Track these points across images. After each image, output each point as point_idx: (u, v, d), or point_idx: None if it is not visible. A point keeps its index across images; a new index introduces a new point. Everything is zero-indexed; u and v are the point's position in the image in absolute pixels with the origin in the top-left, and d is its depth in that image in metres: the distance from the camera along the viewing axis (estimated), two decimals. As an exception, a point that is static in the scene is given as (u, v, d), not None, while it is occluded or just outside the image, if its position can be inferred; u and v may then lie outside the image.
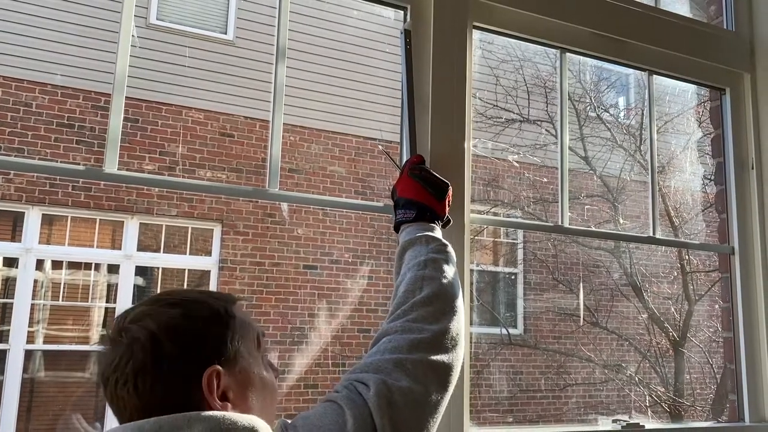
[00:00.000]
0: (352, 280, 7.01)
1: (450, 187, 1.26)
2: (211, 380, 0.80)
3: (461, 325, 0.98)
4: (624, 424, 1.65)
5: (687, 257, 6.72)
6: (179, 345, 0.81)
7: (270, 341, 6.55)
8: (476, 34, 1.64)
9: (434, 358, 0.90)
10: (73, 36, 6.17)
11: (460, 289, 1.06)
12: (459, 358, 0.94)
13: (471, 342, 1.55)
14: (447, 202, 1.24)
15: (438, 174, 1.28)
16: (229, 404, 0.81)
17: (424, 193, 1.20)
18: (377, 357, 0.89)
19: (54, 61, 6.14)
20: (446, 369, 0.91)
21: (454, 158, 1.50)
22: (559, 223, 1.72)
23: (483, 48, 7.15)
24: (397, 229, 1.21)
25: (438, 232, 1.17)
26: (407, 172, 1.26)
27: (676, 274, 7.05)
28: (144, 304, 0.85)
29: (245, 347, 0.86)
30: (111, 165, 1.28)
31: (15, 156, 5.91)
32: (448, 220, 1.25)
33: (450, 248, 1.12)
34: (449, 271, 1.06)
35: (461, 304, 1.01)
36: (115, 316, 0.86)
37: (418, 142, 1.43)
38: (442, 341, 0.92)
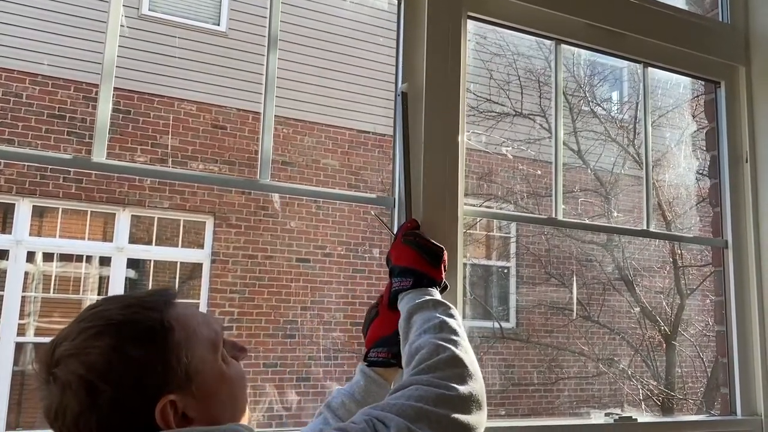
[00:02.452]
0: (345, 273, 7.00)
1: (445, 251, 1.23)
2: (165, 413, 0.75)
3: (483, 387, 0.97)
4: (616, 417, 1.64)
5: (679, 251, 6.74)
6: (115, 386, 0.73)
7: (262, 334, 6.54)
8: (470, 26, 1.63)
9: (458, 417, 0.88)
10: (65, 26, 6.11)
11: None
12: (482, 423, 0.92)
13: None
14: (443, 267, 1.22)
15: (431, 234, 1.27)
16: (193, 424, 0.77)
17: (419, 260, 1.19)
18: (401, 401, 0.86)
19: (44, 51, 6.08)
20: (468, 430, 0.89)
21: (448, 151, 1.49)
22: (553, 216, 1.71)
23: (476, 41, 7.13)
24: (394, 296, 1.19)
25: (438, 297, 1.16)
26: (401, 239, 1.24)
27: (668, 268, 7.08)
28: (69, 336, 0.76)
29: (197, 358, 0.80)
30: (99, 154, 1.26)
31: (5, 147, 5.85)
32: (446, 286, 1.22)
33: (456, 311, 1.11)
34: (463, 334, 1.05)
35: (478, 368, 1.00)
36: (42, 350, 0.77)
37: (412, 207, 1.39)
38: (469, 403, 0.91)
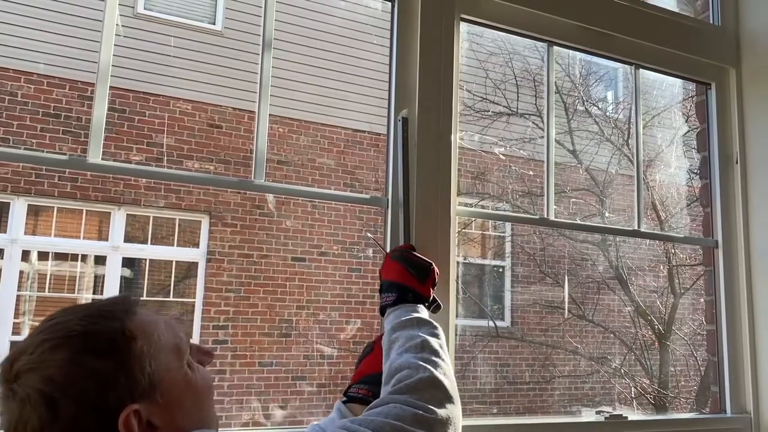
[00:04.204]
0: (341, 272, 7.01)
1: (434, 267, 1.22)
2: (128, 423, 0.73)
3: (460, 411, 0.96)
4: (607, 415, 1.66)
5: (673, 251, 6.78)
6: (76, 399, 0.72)
7: (258, 333, 6.55)
8: (465, 27, 1.64)
9: None
10: (60, 25, 6.10)
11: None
12: None
13: (456, 334, 1.56)
14: (431, 284, 1.20)
15: (422, 251, 1.26)
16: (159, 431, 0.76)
17: (405, 275, 1.18)
18: (379, 418, 0.86)
19: (40, 50, 6.08)
20: None
21: (441, 150, 1.51)
22: (545, 216, 1.73)
23: (472, 41, 7.14)
24: (382, 312, 1.18)
25: (425, 314, 1.14)
26: (389, 256, 1.24)
27: (661, 267, 7.11)
28: (27, 350, 0.74)
29: (161, 366, 0.78)
30: (95, 155, 1.27)
31: (0, 147, 5.85)
32: (438, 305, 1.21)
33: (441, 331, 1.10)
34: (445, 356, 1.04)
35: (457, 391, 1.00)
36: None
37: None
38: (445, 426, 0.90)
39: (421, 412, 0.89)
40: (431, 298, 1.20)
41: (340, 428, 0.83)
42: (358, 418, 0.86)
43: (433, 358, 1.00)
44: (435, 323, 1.11)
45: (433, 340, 1.04)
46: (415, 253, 1.25)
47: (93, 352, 0.74)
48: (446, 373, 0.99)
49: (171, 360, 0.80)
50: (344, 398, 1.15)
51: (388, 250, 1.26)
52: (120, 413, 0.73)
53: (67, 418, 0.71)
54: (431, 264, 1.22)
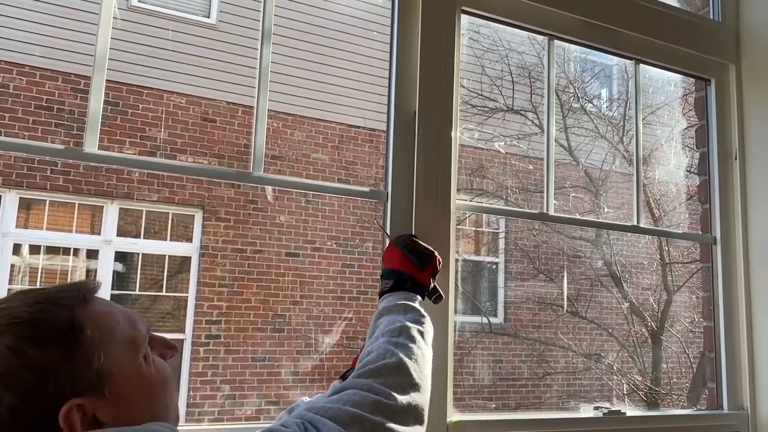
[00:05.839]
0: (335, 268, 6.99)
1: (437, 256, 1.20)
2: (69, 418, 0.69)
3: (427, 400, 0.94)
4: (606, 411, 1.66)
5: (667, 248, 6.79)
6: (14, 392, 0.67)
7: (251, 328, 6.53)
8: (463, 21, 1.63)
9: (394, 426, 0.85)
10: (52, 16, 6.05)
11: (430, 364, 1.01)
12: None
13: (455, 330, 1.55)
14: (432, 272, 1.19)
15: (425, 238, 1.25)
16: (105, 427, 0.71)
17: (405, 262, 1.16)
18: (338, 405, 0.83)
19: (32, 42, 6.02)
20: None
21: (441, 146, 1.49)
22: (545, 211, 1.72)
23: (469, 36, 7.13)
24: (380, 298, 1.17)
25: (418, 303, 1.12)
26: (393, 242, 1.23)
27: (655, 265, 7.13)
28: None
29: (112, 359, 0.74)
30: (91, 145, 1.25)
31: (-9, 138, 5.80)
32: (439, 295, 1.20)
33: (427, 320, 1.07)
34: (423, 343, 1.01)
35: (429, 379, 0.97)
36: None
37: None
38: (407, 414, 0.88)
39: (380, 398, 0.86)
40: (431, 287, 1.19)
41: (297, 418, 0.80)
42: (316, 406, 0.84)
43: (408, 344, 0.97)
44: (423, 311, 1.09)
45: (413, 326, 1.02)
46: (418, 240, 1.23)
47: (35, 342, 0.69)
48: (418, 360, 0.96)
49: (124, 353, 0.76)
50: (340, 379, 1.14)
51: (393, 238, 1.25)
52: (61, 408, 0.69)
53: (5, 412, 0.67)
54: (433, 252, 1.20)
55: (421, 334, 1.03)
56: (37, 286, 5.96)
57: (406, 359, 0.94)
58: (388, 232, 1.40)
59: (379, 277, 1.25)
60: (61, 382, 0.69)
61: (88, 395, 0.71)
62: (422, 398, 0.92)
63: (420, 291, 1.16)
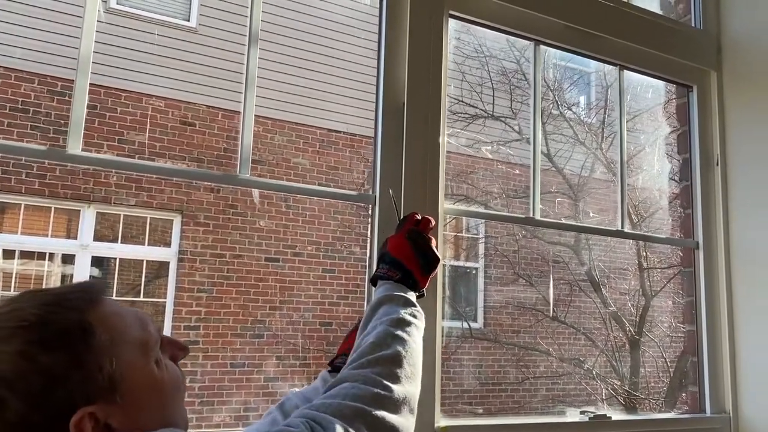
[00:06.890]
0: (315, 273, 6.96)
1: (440, 264, 1.20)
2: (81, 427, 0.67)
3: (417, 394, 0.94)
4: (591, 415, 1.66)
5: (645, 254, 6.87)
6: (24, 397, 0.65)
7: (230, 334, 6.47)
8: (450, 25, 1.63)
9: (394, 418, 0.86)
10: (30, 18, 5.95)
11: (421, 358, 1.02)
12: (412, 426, 0.90)
13: (443, 336, 1.54)
14: (431, 279, 1.20)
15: (432, 233, 1.23)
16: None
17: (414, 261, 1.16)
18: (338, 401, 0.83)
19: (7, 44, 5.92)
20: None
21: (429, 152, 1.49)
22: (531, 216, 1.73)
23: (451, 43, 7.16)
24: (374, 282, 1.16)
25: (413, 298, 1.13)
26: (405, 233, 1.20)
27: (633, 270, 7.21)
28: None
29: (124, 363, 0.72)
30: (75, 146, 1.22)
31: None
32: (422, 294, 1.20)
33: (422, 318, 1.08)
34: (418, 338, 1.02)
35: (421, 373, 0.98)
36: None
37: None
38: (404, 405, 0.88)
39: (378, 389, 0.86)
40: (422, 291, 1.19)
41: (301, 417, 0.79)
42: (316, 404, 0.83)
43: (403, 336, 0.98)
44: (420, 309, 1.10)
45: (411, 320, 1.03)
46: (432, 241, 1.21)
47: (44, 345, 0.67)
48: (413, 353, 0.97)
49: (136, 357, 0.74)
50: (329, 369, 1.15)
51: (406, 228, 1.22)
52: (72, 414, 0.67)
53: (14, 418, 0.65)
54: (439, 260, 1.20)
55: (418, 329, 1.04)
56: (10, 291, 5.85)
57: (400, 349, 0.95)
58: (401, 213, 1.36)
59: (368, 280, 1.23)
60: (70, 387, 0.67)
61: (99, 402, 0.69)
62: (414, 389, 0.93)
63: (416, 290, 1.16)
